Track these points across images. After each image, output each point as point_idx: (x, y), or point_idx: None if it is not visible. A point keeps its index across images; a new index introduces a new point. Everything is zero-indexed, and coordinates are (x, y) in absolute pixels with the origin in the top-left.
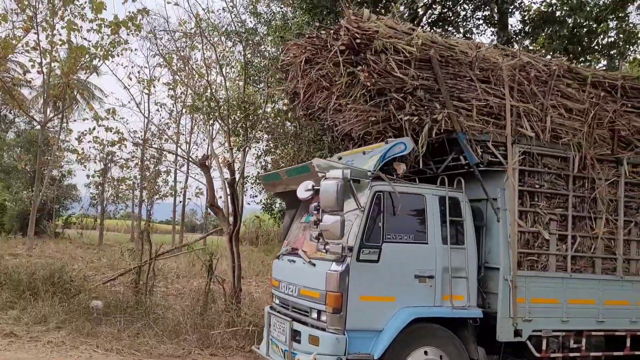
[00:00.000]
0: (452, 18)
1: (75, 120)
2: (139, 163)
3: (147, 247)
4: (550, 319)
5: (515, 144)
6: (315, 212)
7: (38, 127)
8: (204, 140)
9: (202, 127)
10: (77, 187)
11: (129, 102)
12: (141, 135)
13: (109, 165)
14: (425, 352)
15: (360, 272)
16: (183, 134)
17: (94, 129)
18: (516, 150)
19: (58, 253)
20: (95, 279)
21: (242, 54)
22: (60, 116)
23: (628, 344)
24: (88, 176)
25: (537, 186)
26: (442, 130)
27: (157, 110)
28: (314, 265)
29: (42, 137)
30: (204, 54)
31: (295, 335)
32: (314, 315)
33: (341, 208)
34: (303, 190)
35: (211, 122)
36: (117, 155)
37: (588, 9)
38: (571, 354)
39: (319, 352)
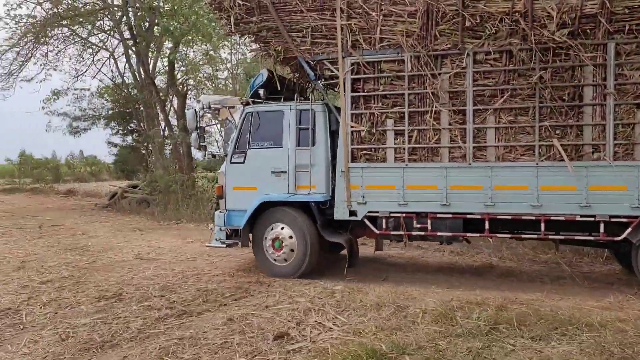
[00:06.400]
0: None
1: None
2: None
3: None
4: (386, 202)
5: (345, 57)
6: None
7: None
8: None
9: None
10: None
11: None
12: None
13: None
14: (279, 228)
15: (232, 170)
16: None
17: None
18: (347, 62)
19: None
20: None
21: None
22: None
23: (487, 226)
24: None
25: (368, 91)
26: (283, 58)
27: None
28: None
29: None
30: None
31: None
32: None
33: (195, 128)
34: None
35: None
36: None
37: None
38: (416, 233)
39: (214, 224)
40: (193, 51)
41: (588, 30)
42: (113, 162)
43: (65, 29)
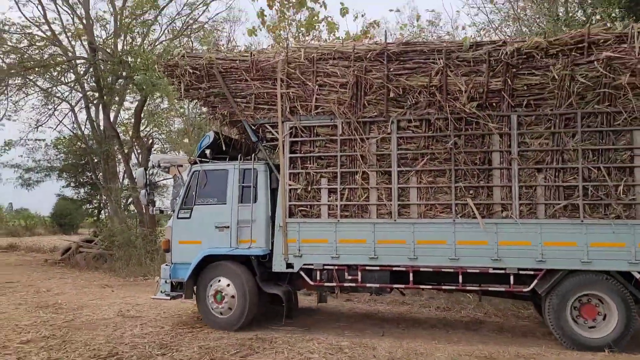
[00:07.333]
0: None
1: None
2: None
3: None
4: (320, 255)
5: (285, 122)
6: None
7: None
8: None
9: None
10: None
11: None
12: None
13: None
14: (219, 280)
15: (178, 225)
16: None
17: None
18: (286, 126)
19: None
20: None
21: None
22: None
23: (411, 278)
24: None
25: (304, 152)
26: (229, 122)
27: None
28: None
29: None
30: None
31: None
32: None
33: (145, 185)
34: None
35: None
36: None
37: None
38: (347, 284)
39: (160, 277)
40: (160, 105)
41: (494, 104)
42: (50, 215)
43: (26, 79)
